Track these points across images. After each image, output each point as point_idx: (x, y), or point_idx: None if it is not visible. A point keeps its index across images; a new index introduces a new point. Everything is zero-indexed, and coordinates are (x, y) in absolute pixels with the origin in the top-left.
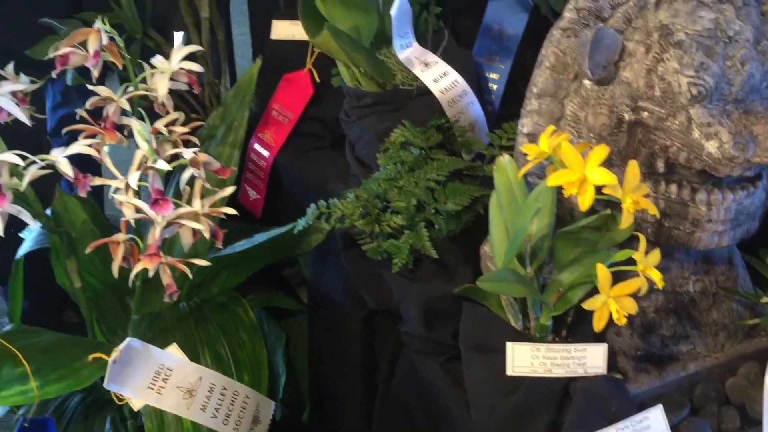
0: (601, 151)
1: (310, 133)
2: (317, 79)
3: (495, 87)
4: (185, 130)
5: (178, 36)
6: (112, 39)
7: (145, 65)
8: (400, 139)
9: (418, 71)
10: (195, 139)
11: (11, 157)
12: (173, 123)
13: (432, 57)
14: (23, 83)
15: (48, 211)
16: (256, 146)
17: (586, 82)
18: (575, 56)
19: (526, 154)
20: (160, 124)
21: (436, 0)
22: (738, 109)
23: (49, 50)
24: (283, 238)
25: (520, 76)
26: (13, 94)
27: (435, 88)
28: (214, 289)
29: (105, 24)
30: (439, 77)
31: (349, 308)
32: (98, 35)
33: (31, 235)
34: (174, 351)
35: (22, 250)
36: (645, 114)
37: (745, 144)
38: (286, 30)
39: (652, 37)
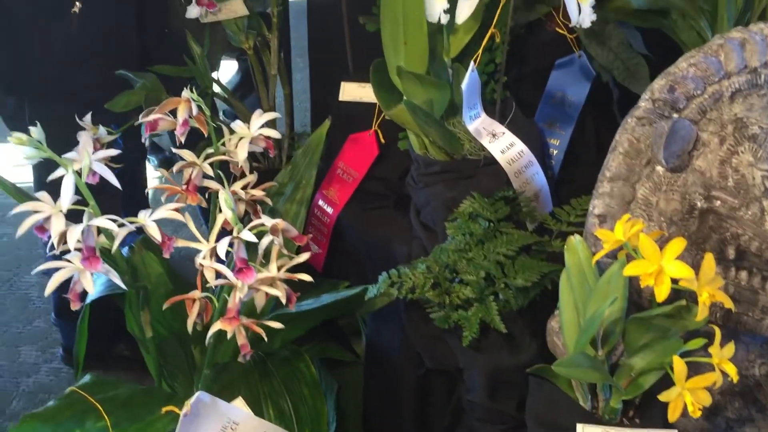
0: (678, 244)
1: (374, 192)
2: (382, 140)
3: (555, 152)
4: (261, 194)
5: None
6: (199, 107)
7: (225, 129)
8: (468, 209)
9: (485, 142)
10: (268, 200)
11: (106, 222)
12: (248, 184)
13: (499, 128)
14: (101, 134)
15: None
16: (321, 202)
17: (659, 169)
18: (649, 143)
19: (597, 236)
20: (237, 187)
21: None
22: None
23: (125, 103)
24: (349, 299)
25: (580, 142)
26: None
27: (502, 159)
28: (275, 341)
29: (193, 92)
30: (506, 148)
31: (406, 365)
32: (188, 105)
33: (100, 280)
34: (240, 405)
35: (93, 296)
36: (717, 203)
37: None
38: (354, 92)
39: (727, 129)
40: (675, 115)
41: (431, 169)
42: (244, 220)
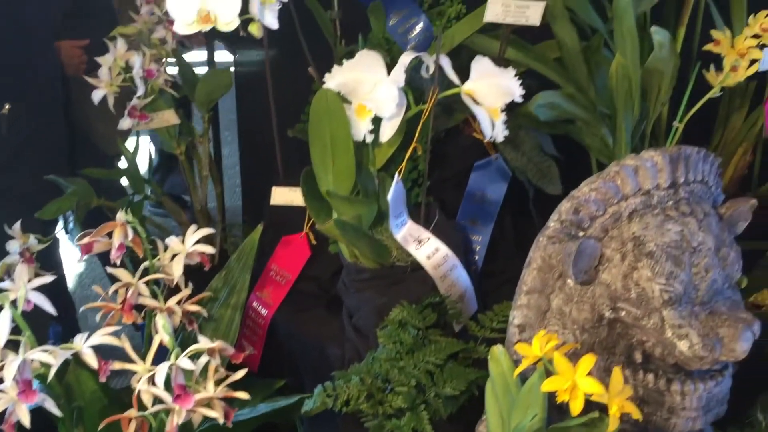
0: (588, 360)
1: (307, 292)
2: (314, 242)
3: (478, 248)
4: (196, 308)
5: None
6: (135, 230)
7: (160, 244)
8: (398, 317)
9: (412, 249)
10: (203, 312)
11: (42, 355)
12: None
13: (425, 233)
14: (32, 243)
15: None
16: (255, 304)
17: (570, 282)
18: (559, 259)
19: (518, 341)
20: (172, 303)
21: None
22: (705, 310)
23: (55, 210)
24: (285, 408)
25: (500, 237)
26: (21, 254)
27: (428, 265)
28: None
29: (128, 214)
30: (432, 253)
31: None
32: (124, 229)
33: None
34: None
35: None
36: (623, 313)
37: (713, 345)
38: (285, 196)
39: (627, 246)
40: (581, 234)
41: (362, 275)
42: (179, 329)
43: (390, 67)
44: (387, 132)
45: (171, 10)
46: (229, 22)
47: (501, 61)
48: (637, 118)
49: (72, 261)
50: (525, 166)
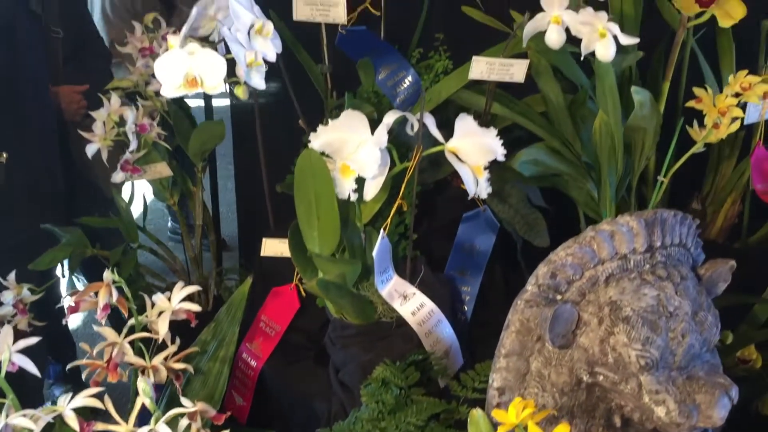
0: (563, 430)
1: (295, 343)
2: (303, 294)
3: (467, 298)
4: (181, 366)
5: None
6: (120, 289)
7: (147, 300)
8: (381, 376)
9: (397, 305)
10: (190, 368)
11: (24, 421)
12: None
13: (410, 288)
14: (25, 295)
15: None
16: (245, 355)
17: (549, 345)
18: (538, 322)
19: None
20: (158, 360)
21: (413, 227)
22: (682, 375)
23: (49, 261)
24: None
25: (490, 287)
26: (15, 305)
27: (413, 321)
28: None
29: (114, 273)
30: (417, 309)
31: None
32: (108, 290)
33: None
34: None
35: None
36: (601, 377)
37: (690, 412)
38: (275, 248)
39: (604, 311)
40: (559, 297)
41: (347, 331)
42: (167, 383)
43: (379, 119)
44: (370, 191)
45: (158, 74)
46: (215, 85)
47: (487, 116)
48: (621, 173)
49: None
50: (512, 219)
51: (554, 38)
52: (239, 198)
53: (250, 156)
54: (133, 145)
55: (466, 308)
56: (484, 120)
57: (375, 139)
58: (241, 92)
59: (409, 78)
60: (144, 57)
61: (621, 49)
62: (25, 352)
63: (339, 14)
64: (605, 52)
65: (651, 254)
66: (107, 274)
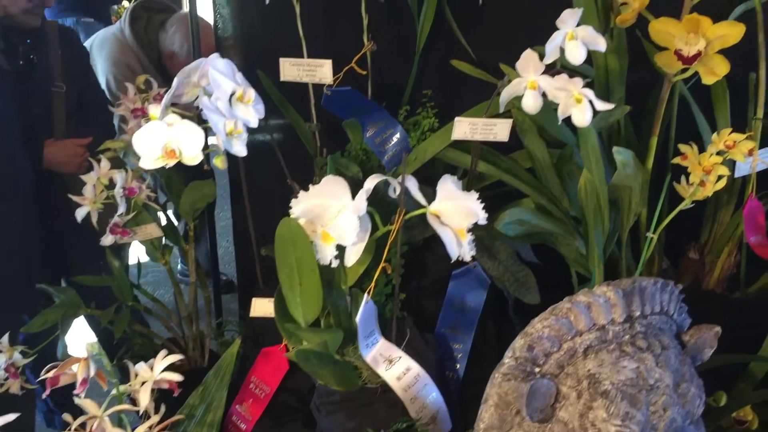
0: None
1: (285, 404)
2: None
3: (459, 355)
4: None
5: None
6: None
7: (131, 367)
8: None
9: (382, 370)
10: None
11: None
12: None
13: (396, 352)
14: (17, 359)
15: None
16: (234, 418)
17: (528, 419)
18: (516, 396)
19: None
20: (141, 430)
21: (401, 286)
22: None
23: (42, 323)
24: None
25: (483, 343)
26: (7, 369)
27: (398, 387)
28: None
29: (95, 348)
30: (402, 373)
31: None
32: (87, 365)
33: None
34: None
35: None
36: None
37: None
38: (264, 307)
39: (582, 384)
40: (537, 370)
41: (332, 398)
42: None
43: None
44: (351, 257)
45: (136, 146)
46: (193, 156)
47: (473, 175)
48: (609, 230)
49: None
50: (502, 276)
51: (531, 104)
52: (237, 248)
53: (244, 215)
54: (121, 209)
55: (458, 366)
56: (471, 178)
57: (354, 206)
58: (219, 162)
59: (397, 135)
60: (136, 118)
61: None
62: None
63: (325, 74)
64: (581, 117)
65: (630, 324)
66: (87, 346)
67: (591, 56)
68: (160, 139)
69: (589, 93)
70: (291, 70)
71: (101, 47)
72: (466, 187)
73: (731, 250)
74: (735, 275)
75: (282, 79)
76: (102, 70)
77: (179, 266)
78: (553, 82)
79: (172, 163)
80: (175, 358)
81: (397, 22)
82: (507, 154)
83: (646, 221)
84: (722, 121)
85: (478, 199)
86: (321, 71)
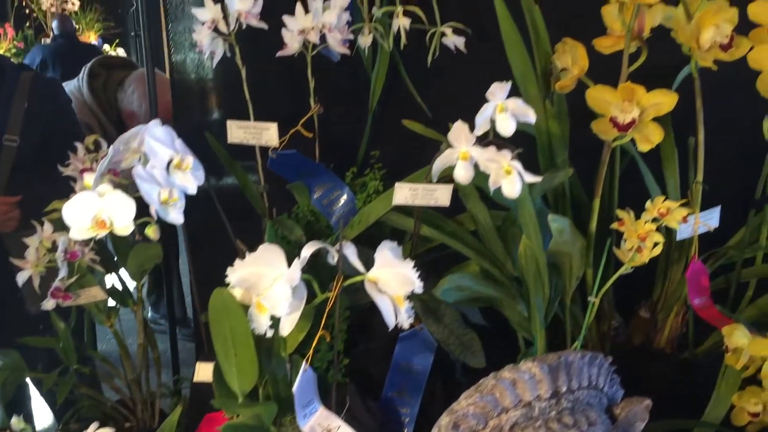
0: None
1: None
2: None
3: (407, 420)
4: None
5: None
6: None
7: None
8: None
9: None
10: None
11: None
12: None
13: (335, 421)
14: None
15: None
16: None
17: None
18: None
19: None
20: None
21: (346, 350)
22: None
23: None
24: None
25: (431, 407)
26: None
27: None
28: None
29: (20, 423)
30: None
31: None
32: None
33: None
34: None
35: None
36: None
37: None
38: (208, 372)
39: None
40: None
41: None
42: None
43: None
44: (286, 327)
45: (66, 217)
46: (124, 227)
47: (416, 239)
48: (550, 295)
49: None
50: (447, 339)
51: (462, 174)
52: (193, 310)
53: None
54: (62, 273)
55: (405, 430)
56: (414, 242)
57: (288, 276)
58: (151, 232)
59: (344, 197)
60: (89, 173)
61: (553, 167)
62: None
63: (271, 137)
64: (511, 188)
65: (557, 400)
66: (15, 421)
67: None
68: (91, 210)
69: (518, 165)
70: (238, 132)
71: None
72: (411, 251)
73: (678, 310)
74: (685, 334)
75: (229, 141)
76: None
77: (149, 314)
78: (484, 153)
79: (102, 233)
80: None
81: (352, 80)
82: (453, 216)
83: (593, 282)
84: (671, 180)
85: (420, 264)
86: (267, 134)
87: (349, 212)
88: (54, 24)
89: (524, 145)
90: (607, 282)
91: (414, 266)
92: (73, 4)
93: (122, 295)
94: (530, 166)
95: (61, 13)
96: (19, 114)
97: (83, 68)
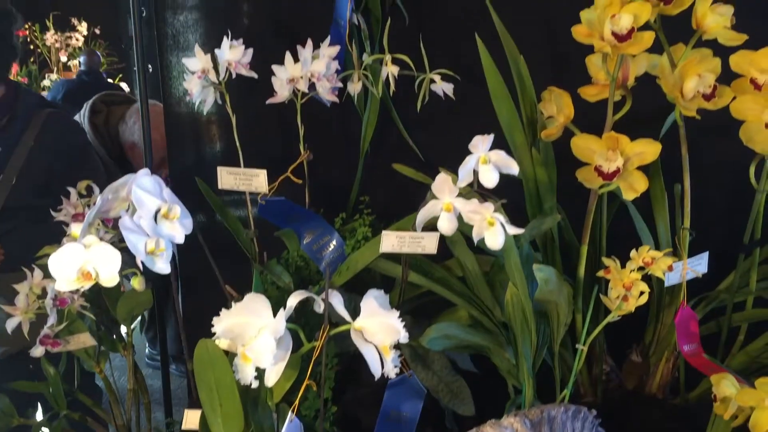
0: None
1: None
2: None
3: None
4: None
5: None
6: None
7: None
8: None
9: None
10: None
11: None
12: None
13: None
14: None
15: None
16: None
17: None
18: None
19: None
20: None
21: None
22: None
23: None
24: None
25: None
26: None
27: None
28: None
29: None
30: None
31: None
32: None
33: None
34: None
35: None
36: None
37: None
38: (196, 419)
39: None
40: None
41: None
42: None
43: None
44: (271, 378)
45: (51, 269)
46: (110, 278)
47: (404, 286)
48: (538, 342)
49: None
50: (436, 387)
51: (446, 226)
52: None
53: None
54: (51, 320)
55: None
56: (402, 290)
57: (272, 327)
58: (137, 283)
59: (334, 242)
60: (77, 223)
61: (540, 213)
62: None
63: (261, 184)
64: (494, 240)
65: None
66: None
67: (521, 166)
68: (76, 262)
69: (501, 217)
70: (228, 178)
71: None
72: (399, 298)
73: (669, 355)
74: (678, 378)
75: (219, 187)
76: None
77: (146, 350)
78: (467, 205)
79: (88, 285)
80: None
81: (345, 125)
82: (443, 260)
83: (582, 329)
84: (662, 225)
85: (409, 309)
86: (257, 180)
87: (338, 258)
88: (81, 59)
89: (514, 189)
90: (595, 330)
91: (401, 314)
92: (77, 39)
93: (112, 341)
94: (519, 211)
95: (88, 49)
96: (22, 152)
97: (85, 105)
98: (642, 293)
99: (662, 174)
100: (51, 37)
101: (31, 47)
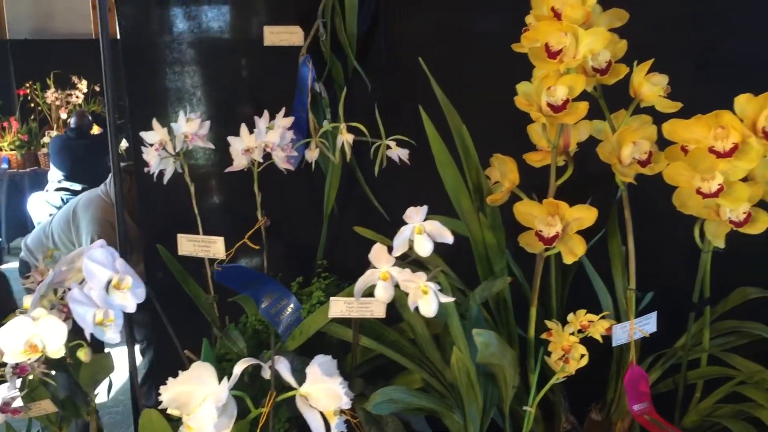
0: None
1: None
2: None
3: None
4: None
5: None
6: None
7: None
8: None
9: None
10: None
11: None
12: None
13: None
14: None
15: None
16: None
17: None
18: None
19: None
20: None
21: None
22: None
23: None
24: None
25: None
26: None
27: None
28: None
29: None
30: None
31: None
32: None
33: None
34: None
35: None
36: None
37: None
38: None
39: None
40: None
41: None
42: None
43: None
44: None
45: (0, 341)
46: (56, 350)
47: (356, 349)
48: (484, 405)
49: None
50: None
51: (382, 294)
52: None
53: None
54: (11, 389)
55: None
56: (355, 354)
57: (214, 396)
58: (83, 355)
59: (291, 306)
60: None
61: (491, 275)
62: None
63: (218, 250)
64: (427, 308)
65: None
66: None
67: (469, 230)
68: (24, 334)
69: (434, 286)
70: (187, 245)
71: (86, 207)
72: (351, 362)
73: (623, 416)
74: None
75: (179, 253)
76: (85, 230)
77: None
78: (402, 274)
79: (35, 357)
80: None
81: (311, 186)
82: (397, 322)
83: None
84: (619, 282)
85: (363, 372)
86: (214, 247)
87: (295, 321)
88: (72, 120)
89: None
90: (541, 391)
91: (355, 377)
92: (77, 97)
93: (75, 406)
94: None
95: (80, 110)
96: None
97: (109, 175)
98: (582, 356)
99: (619, 231)
100: (51, 95)
101: (32, 105)
